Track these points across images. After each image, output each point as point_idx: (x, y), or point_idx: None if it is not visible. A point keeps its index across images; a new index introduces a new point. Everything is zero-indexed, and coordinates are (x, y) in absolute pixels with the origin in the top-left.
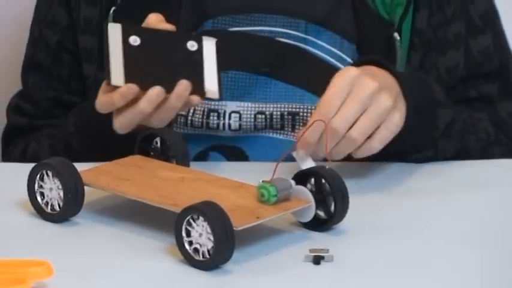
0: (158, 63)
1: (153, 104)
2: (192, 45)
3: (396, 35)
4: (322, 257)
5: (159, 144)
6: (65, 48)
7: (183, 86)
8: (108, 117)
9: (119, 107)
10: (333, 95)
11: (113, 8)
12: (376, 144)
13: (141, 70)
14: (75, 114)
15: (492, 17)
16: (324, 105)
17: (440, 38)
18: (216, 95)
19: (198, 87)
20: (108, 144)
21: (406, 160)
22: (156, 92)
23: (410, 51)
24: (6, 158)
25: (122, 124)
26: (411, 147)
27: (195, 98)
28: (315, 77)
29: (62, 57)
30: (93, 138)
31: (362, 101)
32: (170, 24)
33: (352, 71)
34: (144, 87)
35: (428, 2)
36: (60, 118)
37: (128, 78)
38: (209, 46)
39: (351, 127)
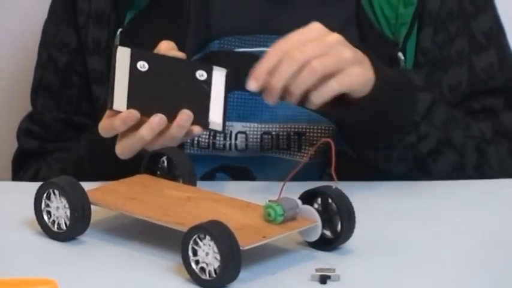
0: (164, 90)
1: (154, 132)
2: (201, 75)
3: (400, 54)
4: (329, 277)
5: (165, 164)
6: (74, 69)
7: (185, 116)
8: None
9: (119, 132)
10: (295, 34)
11: (120, 30)
12: (335, 84)
13: (145, 96)
14: (86, 138)
15: (496, 33)
16: (284, 40)
17: (444, 55)
18: (220, 127)
19: (201, 118)
20: (119, 168)
21: (392, 148)
22: (157, 120)
23: (415, 70)
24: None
25: (123, 150)
26: (389, 126)
27: (197, 129)
28: None
29: (71, 78)
30: (104, 162)
31: (323, 44)
32: (181, 52)
33: (321, 26)
34: (147, 114)
35: (432, 20)
36: (71, 141)
37: (131, 104)
38: (219, 77)
39: None
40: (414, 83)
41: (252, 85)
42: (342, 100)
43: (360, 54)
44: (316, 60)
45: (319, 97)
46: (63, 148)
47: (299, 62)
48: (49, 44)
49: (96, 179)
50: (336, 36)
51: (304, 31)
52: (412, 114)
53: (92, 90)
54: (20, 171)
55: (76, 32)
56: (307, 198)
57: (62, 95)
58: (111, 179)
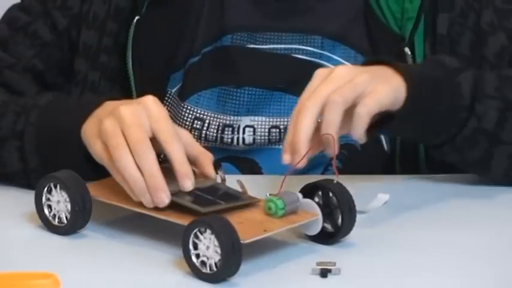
0: None
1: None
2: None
3: (407, 49)
4: (329, 270)
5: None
6: (69, 35)
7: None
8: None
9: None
10: (309, 85)
11: (136, 18)
12: (363, 109)
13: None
14: (44, 107)
15: None
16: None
17: (476, 32)
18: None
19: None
20: (59, 156)
21: (456, 140)
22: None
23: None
24: None
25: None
26: (440, 120)
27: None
28: None
29: (64, 43)
30: (47, 141)
31: (333, 80)
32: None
33: (321, 70)
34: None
35: (450, 6)
36: (28, 85)
37: None
38: None
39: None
40: (450, 67)
41: (287, 159)
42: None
43: (375, 71)
44: (335, 94)
45: (357, 130)
46: (15, 87)
47: (317, 102)
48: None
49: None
50: (341, 69)
51: (317, 76)
52: (459, 100)
53: (75, 62)
54: None
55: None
56: (308, 192)
57: (44, 50)
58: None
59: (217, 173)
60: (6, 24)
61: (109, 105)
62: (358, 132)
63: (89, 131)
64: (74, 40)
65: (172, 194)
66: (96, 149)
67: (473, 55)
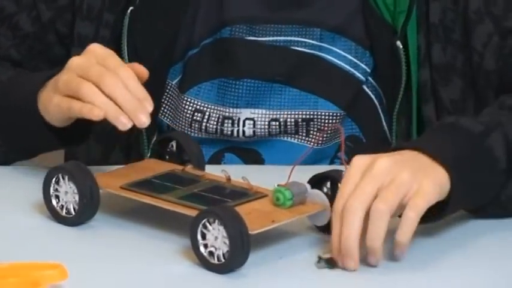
0: None
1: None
2: None
3: (399, 43)
4: (336, 261)
5: (174, 148)
6: (55, 28)
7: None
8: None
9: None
10: (347, 177)
11: (131, 8)
12: (411, 213)
13: None
14: (3, 82)
15: None
16: (341, 187)
17: (463, 20)
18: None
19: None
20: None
21: (495, 204)
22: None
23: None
24: None
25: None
26: (483, 189)
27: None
28: (330, 84)
29: (46, 35)
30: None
31: (377, 176)
32: None
33: (364, 156)
34: None
35: None
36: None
37: None
38: None
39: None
40: (474, 132)
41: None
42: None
43: (413, 163)
44: (378, 201)
45: (405, 234)
46: None
47: (360, 209)
48: None
49: None
50: (382, 164)
51: (355, 169)
52: (496, 165)
53: (71, 53)
54: None
55: None
56: (316, 182)
57: (25, 42)
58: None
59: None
60: None
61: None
62: (406, 237)
63: (45, 95)
64: (61, 32)
65: (179, 197)
66: (54, 101)
67: (466, 43)
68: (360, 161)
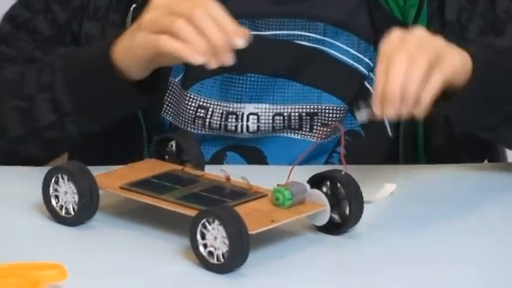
0: None
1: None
2: None
3: None
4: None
5: (174, 148)
6: (71, 29)
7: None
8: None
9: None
10: (390, 39)
11: (133, 6)
12: (438, 75)
13: None
14: (66, 53)
15: None
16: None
17: (490, 19)
18: None
19: None
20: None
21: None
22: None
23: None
24: None
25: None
26: (499, 98)
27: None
28: (333, 78)
29: (65, 36)
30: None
31: (415, 39)
32: None
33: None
34: None
35: None
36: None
37: None
38: None
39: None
40: (498, 45)
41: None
42: (446, 96)
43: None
44: (416, 55)
45: (429, 94)
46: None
47: (406, 54)
48: None
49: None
50: (419, 32)
51: (389, 41)
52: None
53: None
54: None
55: None
56: (316, 182)
57: (45, 45)
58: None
59: None
60: (7, 22)
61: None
62: (429, 96)
63: (122, 42)
64: (76, 32)
65: (179, 197)
66: (137, 40)
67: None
68: (398, 31)
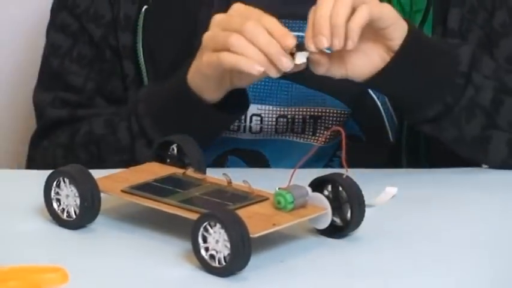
0: None
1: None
2: None
3: None
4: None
5: (175, 151)
6: (109, 44)
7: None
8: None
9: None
10: None
11: (145, 7)
12: (365, 7)
13: None
14: (142, 97)
15: None
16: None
17: (487, 31)
18: None
19: None
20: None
21: (448, 116)
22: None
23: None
24: (43, 153)
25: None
26: (437, 82)
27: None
28: (336, 81)
29: (104, 52)
30: (164, 102)
31: None
32: None
33: None
34: None
35: (461, 1)
36: (104, 108)
37: None
38: None
39: None
40: (452, 42)
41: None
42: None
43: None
44: None
45: (355, 21)
46: (98, 114)
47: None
48: (81, 13)
49: (150, 127)
50: None
51: None
52: (457, 66)
53: (123, 66)
54: (43, 141)
55: (110, 4)
56: (317, 185)
57: (94, 66)
58: (168, 131)
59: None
60: (51, 54)
61: None
62: (356, 28)
63: (193, 67)
64: (114, 46)
65: (180, 200)
66: (204, 59)
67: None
68: None
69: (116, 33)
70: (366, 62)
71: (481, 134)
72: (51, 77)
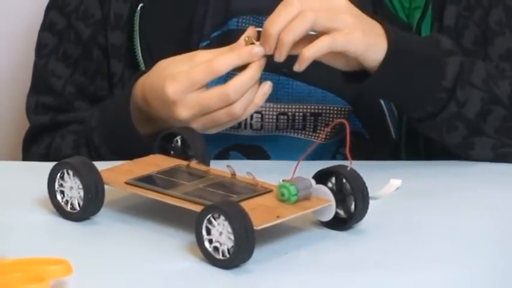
0: None
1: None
2: None
3: None
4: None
5: (179, 144)
6: (97, 43)
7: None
8: (130, 117)
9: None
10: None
11: (140, 5)
12: (327, 39)
13: None
14: (99, 109)
15: None
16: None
17: (483, 29)
18: None
19: None
20: (129, 145)
21: (435, 121)
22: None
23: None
24: (32, 159)
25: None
26: (417, 94)
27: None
28: (337, 78)
29: (91, 51)
30: (114, 136)
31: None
32: None
33: None
34: None
35: None
36: (84, 111)
37: None
38: None
39: None
40: (443, 48)
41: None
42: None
43: (365, 21)
44: (312, 11)
45: (310, 51)
46: (78, 120)
47: (293, 11)
48: (70, 12)
49: (105, 152)
50: (342, 1)
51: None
52: (441, 80)
53: (110, 65)
54: (32, 147)
55: (100, 3)
56: (321, 177)
57: (79, 66)
58: (119, 155)
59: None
60: (37, 55)
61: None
62: (309, 53)
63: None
64: (103, 44)
65: (184, 192)
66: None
67: (476, 50)
68: None
69: (105, 31)
70: (343, 64)
71: (463, 142)
72: (36, 79)
